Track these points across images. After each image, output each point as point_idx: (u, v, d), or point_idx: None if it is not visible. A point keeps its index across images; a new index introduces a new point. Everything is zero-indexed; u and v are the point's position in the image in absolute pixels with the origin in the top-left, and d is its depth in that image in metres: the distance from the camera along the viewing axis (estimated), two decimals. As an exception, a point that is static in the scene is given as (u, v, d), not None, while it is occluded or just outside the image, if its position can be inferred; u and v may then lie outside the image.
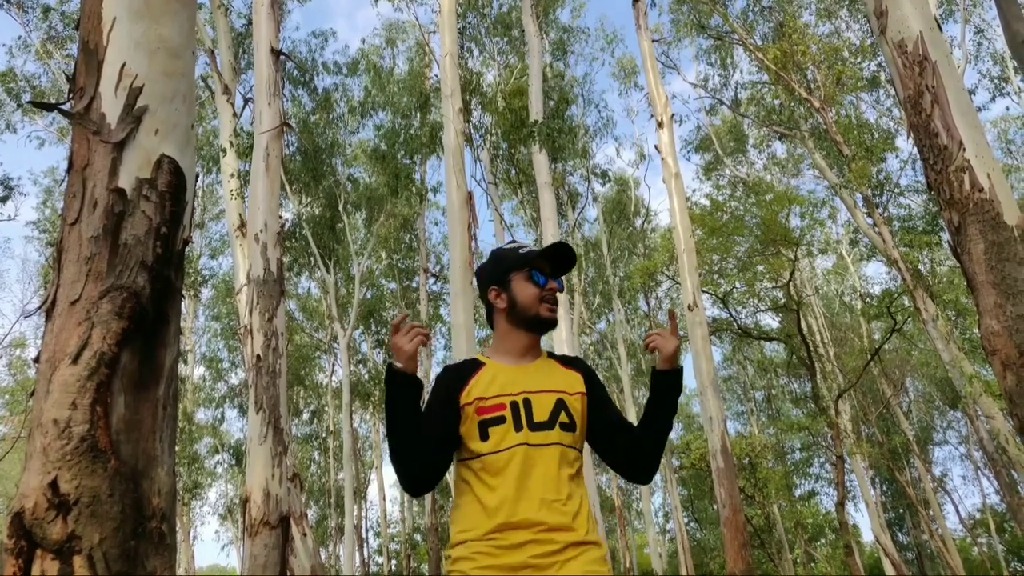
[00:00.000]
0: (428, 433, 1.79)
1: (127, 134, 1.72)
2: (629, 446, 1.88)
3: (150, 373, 1.61)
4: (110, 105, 1.74)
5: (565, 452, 1.78)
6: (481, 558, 1.65)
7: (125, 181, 1.69)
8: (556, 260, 1.96)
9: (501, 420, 1.76)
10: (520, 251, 1.97)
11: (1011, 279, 2.76)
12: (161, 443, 1.58)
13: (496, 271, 1.97)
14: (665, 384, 1.86)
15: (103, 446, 1.43)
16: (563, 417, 1.80)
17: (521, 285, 1.92)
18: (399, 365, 1.73)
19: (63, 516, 1.33)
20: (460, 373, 1.88)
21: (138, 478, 1.49)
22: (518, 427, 1.75)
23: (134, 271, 1.62)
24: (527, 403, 1.78)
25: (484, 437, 1.76)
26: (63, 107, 1.75)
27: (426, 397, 1.88)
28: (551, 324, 1.92)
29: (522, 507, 1.67)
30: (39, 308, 1.63)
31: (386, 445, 23.40)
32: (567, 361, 1.98)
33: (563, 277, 2.02)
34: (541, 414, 1.78)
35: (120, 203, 1.66)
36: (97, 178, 1.67)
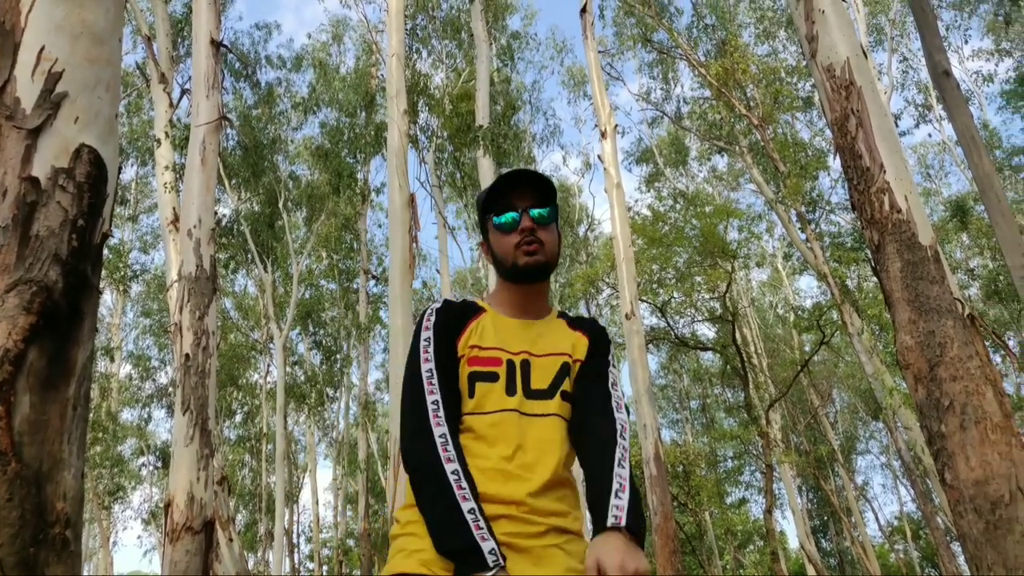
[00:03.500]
0: (455, 401, 1.46)
1: (43, 120, 1.65)
2: (579, 442, 1.51)
3: (60, 372, 1.54)
4: (26, 90, 1.67)
5: (565, 426, 1.51)
6: None
7: (39, 170, 1.62)
8: (529, 185, 1.58)
9: (493, 377, 1.48)
10: (490, 195, 1.60)
11: (924, 296, 2.90)
12: (69, 445, 1.51)
13: (481, 221, 1.65)
14: None
15: (3, 448, 1.36)
16: (566, 385, 1.53)
17: (495, 236, 1.59)
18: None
19: (-46, 521, 1.26)
20: (460, 315, 1.57)
21: (41, 482, 1.42)
22: (511, 390, 1.47)
23: (46, 264, 1.55)
24: (525, 365, 1.51)
25: (471, 393, 1.47)
26: (-27, 90, 1.67)
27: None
28: (532, 270, 1.55)
29: (506, 484, 1.39)
30: (-61, 300, 1.53)
31: (320, 447, 22.88)
32: (578, 322, 1.66)
33: (549, 204, 1.59)
34: (541, 380, 1.51)
35: (33, 192, 1.58)
36: (9, 165, 1.60)
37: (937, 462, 2.79)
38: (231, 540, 7.25)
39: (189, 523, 4.70)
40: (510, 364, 1.50)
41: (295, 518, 22.08)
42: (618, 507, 1.33)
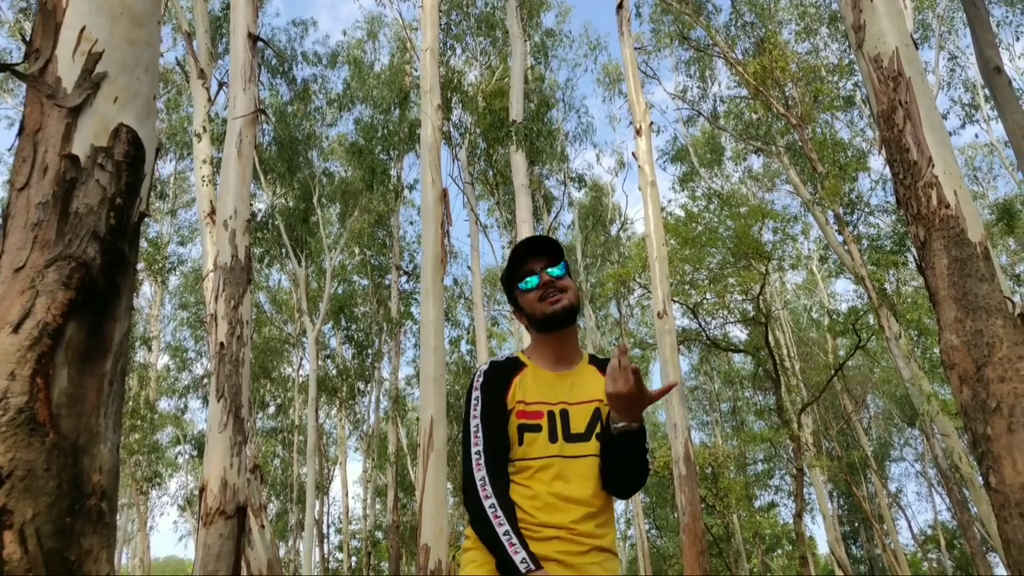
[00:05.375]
0: (501, 447, 1.75)
1: (83, 100, 1.66)
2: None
3: (97, 347, 1.56)
4: (67, 69, 1.68)
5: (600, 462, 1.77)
6: None
7: (79, 148, 1.63)
8: (539, 251, 1.89)
9: (537, 428, 1.76)
10: (510, 266, 1.92)
11: (972, 295, 2.80)
12: (105, 419, 1.52)
13: (510, 294, 1.95)
14: (619, 442, 1.69)
15: (42, 419, 1.37)
16: (599, 428, 1.78)
17: (524, 299, 1.88)
18: None
19: (-7, 489, 1.28)
20: (504, 373, 1.85)
21: (78, 454, 1.43)
22: (553, 438, 1.75)
23: (84, 241, 1.56)
24: (564, 414, 1.78)
25: (520, 441, 1.76)
26: (17, 68, 1.69)
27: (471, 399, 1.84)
28: (561, 315, 1.82)
29: (554, 514, 1.68)
30: (-19, 275, 1.56)
31: (351, 441, 23.11)
32: (606, 365, 1.87)
33: (560, 262, 1.89)
34: (578, 425, 1.77)
35: (72, 170, 1.60)
36: (49, 143, 1.61)
37: (981, 465, 2.69)
38: (263, 527, 7.34)
39: (222, 507, 4.76)
40: (550, 415, 1.78)
41: (325, 509, 22.32)
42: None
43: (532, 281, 1.85)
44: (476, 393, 1.84)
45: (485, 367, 1.89)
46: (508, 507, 1.68)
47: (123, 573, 27.18)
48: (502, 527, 1.63)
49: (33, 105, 1.65)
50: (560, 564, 1.64)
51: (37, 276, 1.49)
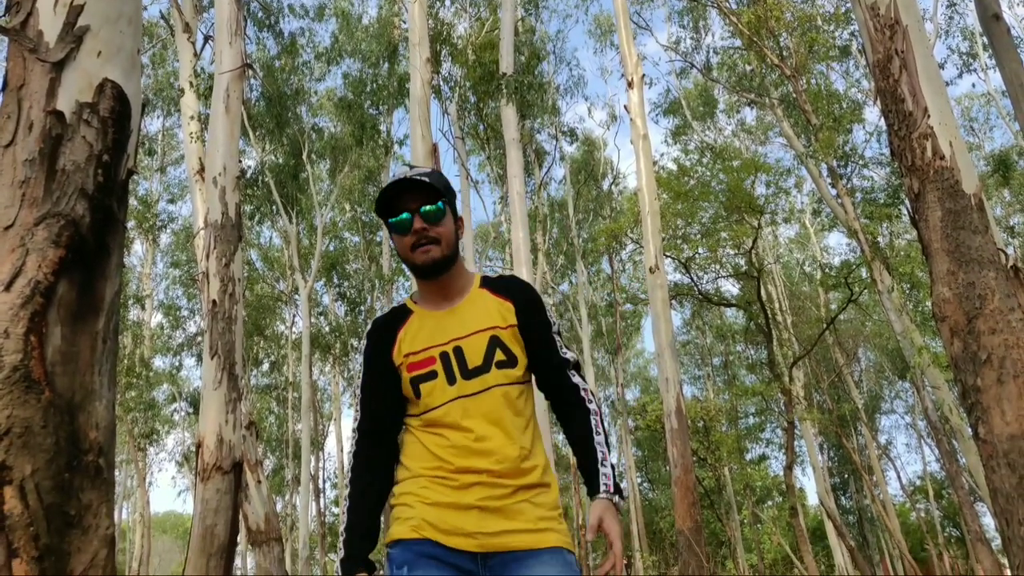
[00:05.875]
0: (379, 409, 1.72)
1: (67, 54, 1.62)
2: (559, 416, 1.79)
3: (89, 305, 1.55)
4: (48, 22, 1.64)
5: (507, 391, 1.66)
6: (428, 493, 1.59)
7: (64, 104, 1.60)
8: (415, 186, 1.67)
9: (432, 375, 1.65)
10: (384, 205, 1.70)
11: (965, 247, 2.81)
12: (100, 377, 1.53)
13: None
14: None
15: (37, 376, 1.38)
16: (499, 355, 1.66)
17: (394, 238, 1.72)
18: None
19: (-8, 446, 1.28)
20: (388, 329, 1.74)
21: (74, 411, 1.44)
22: (451, 380, 1.64)
23: (73, 198, 1.54)
24: (458, 351, 1.66)
25: (417, 395, 1.66)
26: (-4, 20, 1.65)
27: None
28: (430, 268, 1.67)
29: (470, 458, 1.59)
30: (-31, 233, 1.54)
31: (345, 397, 23.27)
32: (501, 286, 1.76)
33: (438, 200, 1.67)
34: (475, 359, 1.65)
35: (58, 126, 1.57)
36: (33, 99, 1.58)
37: (970, 416, 2.74)
38: (260, 482, 7.46)
39: (219, 463, 4.82)
40: (444, 356, 1.66)
41: (321, 464, 22.65)
42: (606, 476, 1.63)
43: (402, 219, 1.66)
44: (360, 358, 1.77)
45: (368, 329, 1.79)
46: (359, 497, 1.66)
47: (124, 527, 27.66)
48: (343, 524, 1.66)
49: (16, 60, 1.61)
50: (483, 511, 1.56)
51: (27, 234, 1.48)
